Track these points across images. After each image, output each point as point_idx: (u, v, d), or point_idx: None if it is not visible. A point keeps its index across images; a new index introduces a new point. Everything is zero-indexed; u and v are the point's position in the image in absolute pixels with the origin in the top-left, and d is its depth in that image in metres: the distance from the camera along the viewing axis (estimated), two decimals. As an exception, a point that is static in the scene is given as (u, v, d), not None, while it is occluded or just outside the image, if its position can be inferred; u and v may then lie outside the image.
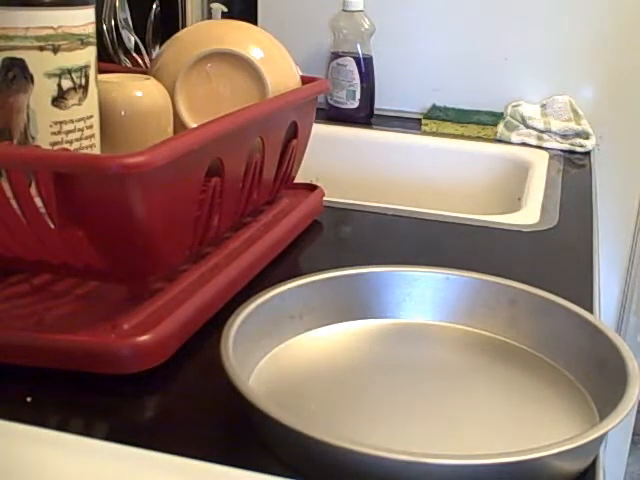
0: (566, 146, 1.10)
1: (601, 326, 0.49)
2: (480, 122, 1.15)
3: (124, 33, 0.93)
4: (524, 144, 1.11)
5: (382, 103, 1.22)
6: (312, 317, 0.53)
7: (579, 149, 1.10)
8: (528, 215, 0.81)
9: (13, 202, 0.47)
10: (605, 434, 0.40)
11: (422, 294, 0.55)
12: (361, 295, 0.54)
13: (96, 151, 0.56)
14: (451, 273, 0.55)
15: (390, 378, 0.49)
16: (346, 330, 0.53)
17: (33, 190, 0.48)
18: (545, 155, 1.06)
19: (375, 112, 1.21)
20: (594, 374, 0.47)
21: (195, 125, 0.66)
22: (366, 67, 1.18)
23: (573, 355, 0.49)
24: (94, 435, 0.41)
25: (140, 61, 0.95)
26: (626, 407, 0.41)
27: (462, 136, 1.14)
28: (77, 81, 0.53)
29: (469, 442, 0.43)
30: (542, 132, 1.11)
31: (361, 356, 0.51)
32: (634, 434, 1.35)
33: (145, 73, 0.68)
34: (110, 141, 0.58)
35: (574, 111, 1.15)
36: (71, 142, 0.53)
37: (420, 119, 1.17)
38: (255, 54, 0.68)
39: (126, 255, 0.48)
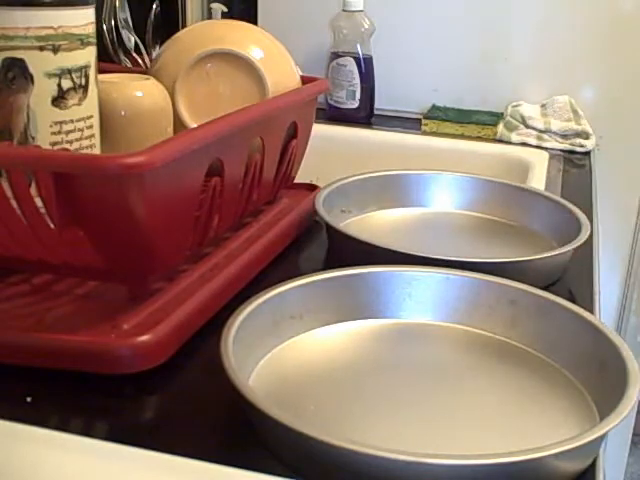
0: (566, 146, 1.10)
1: (601, 326, 0.49)
2: (480, 122, 1.15)
3: (124, 33, 0.93)
4: (524, 144, 1.11)
5: (382, 103, 1.22)
6: (312, 317, 0.53)
7: (579, 149, 1.10)
8: (528, 215, 0.81)
9: (13, 202, 0.47)
10: (605, 434, 0.40)
11: (422, 294, 0.55)
12: (361, 295, 0.54)
13: (96, 151, 0.56)
14: (451, 273, 0.55)
15: (390, 378, 0.49)
16: (346, 330, 0.53)
17: (33, 190, 0.48)
18: (545, 155, 1.06)
19: (375, 112, 1.21)
20: (594, 374, 0.47)
21: (195, 125, 0.66)
22: (366, 67, 1.18)
23: (573, 355, 0.50)
24: (94, 435, 0.41)
25: (140, 61, 0.95)
26: (626, 407, 0.41)
27: (462, 136, 1.14)
28: (77, 81, 0.53)
29: (469, 442, 0.43)
30: (542, 132, 1.11)
31: (361, 356, 0.51)
32: (634, 434, 1.35)
33: (145, 73, 0.68)
34: (110, 141, 0.58)
35: (574, 111, 1.15)
36: (71, 142, 0.53)
37: (420, 119, 1.17)
38: (255, 54, 0.68)
39: (126, 255, 0.49)
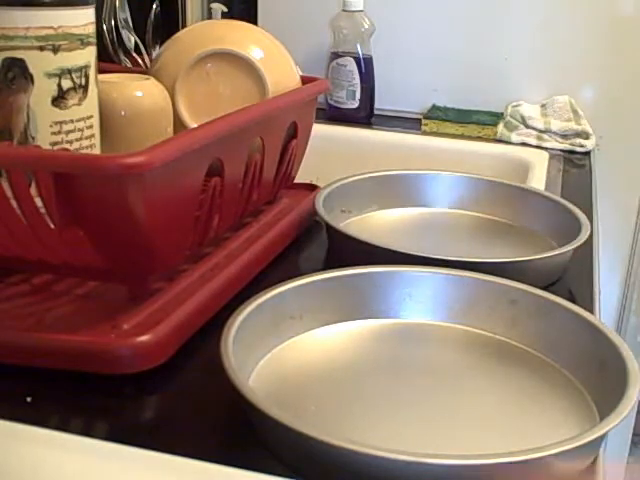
0: (566, 146, 1.10)
1: (601, 326, 0.49)
2: (480, 122, 1.15)
3: (124, 33, 0.93)
4: (524, 144, 1.11)
5: (382, 103, 1.22)
6: (312, 317, 0.53)
7: (579, 149, 1.10)
8: (528, 215, 0.81)
9: (13, 202, 0.47)
10: (605, 434, 0.40)
11: (422, 294, 0.55)
12: (361, 295, 0.54)
13: (96, 151, 0.56)
14: (451, 273, 0.55)
15: (390, 378, 0.49)
16: (346, 330, 0.53)
17: (33, 190, 0.48)
18: (545, 155, 1.06)
19: (375, 112, 1.21)
20: (594, 374, 0.47)
21: (195, 125, 0.66)
22: (366, 67, 1.18)
23: (573, 355, 0.50)
24: (94, 435, 0.41)
25: (140, 61, 0.95)
26: (626, 407, 0.41)
27: (462, 136, 1.14)
28: (77, 81, 0.53)
29: (469, 442, 0.43)
30: (542, 132, 1.11)
31: (361, 356, 0.51)
32: (634, 434, 1.35)
33: (145, 73, 0.68)
34: (110, 141, 0.58)
35: (574, 111, 1.15)
36: (71, 142, 0.53)
37: (420, 119, 1.17)
38: (255, 54, 0.68)
39: (126, 255, 0.49)
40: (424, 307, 0.55)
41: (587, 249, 0.70)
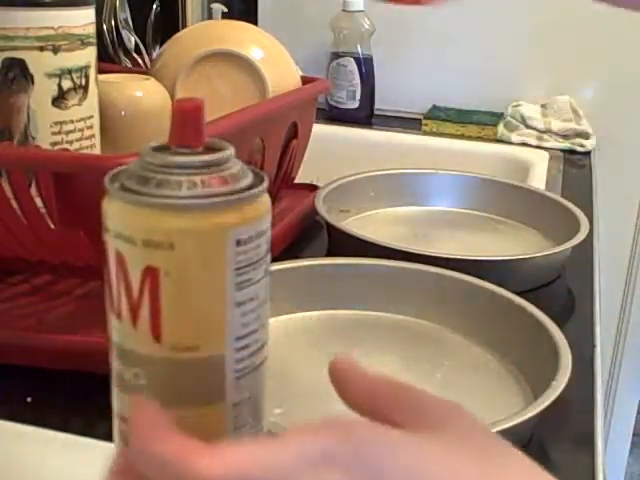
0: (566, 146, 1.10)
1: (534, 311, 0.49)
2: (480, 122, 1.15)
3: (124, 33, 0.93)
4: (524, 144, 1.11)
5: (382, 103, 1.22)
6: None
7: (579, 149, 1.10)
8: (528, 215, 0.81)
9: (13, 202, 0.47)
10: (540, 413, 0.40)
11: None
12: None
13: (96, 151, 0.56)
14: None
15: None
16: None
17: (33, 190, 0.48)
18: (545, 155, 1.06)
19: (375, 112, 1.21)
20: (528, 360, 0.48)
21: (195, 125, 0.66)
22: (366, 67, 1.18)
23: (505, 341, 0.50)
24: (94, 435, 0.41)
25: (140, 61, 0.95)
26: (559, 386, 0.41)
27: (462, 136, 1.14)
28: (77, 81, 0.53)
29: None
30: (542, 132, 1.11)
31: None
32: (634, 435, 1.35)
33: (145, 73, 0.68)
34: (110, 141, 0.58)
35: (574, 111, 1.15)
36: (71, 142, 0.53)
37: (420, 119, 1.17)
38: (255, 54, 0.68)
39: (126, 255, 0.48)
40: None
41: (587, 249, 0.70)
